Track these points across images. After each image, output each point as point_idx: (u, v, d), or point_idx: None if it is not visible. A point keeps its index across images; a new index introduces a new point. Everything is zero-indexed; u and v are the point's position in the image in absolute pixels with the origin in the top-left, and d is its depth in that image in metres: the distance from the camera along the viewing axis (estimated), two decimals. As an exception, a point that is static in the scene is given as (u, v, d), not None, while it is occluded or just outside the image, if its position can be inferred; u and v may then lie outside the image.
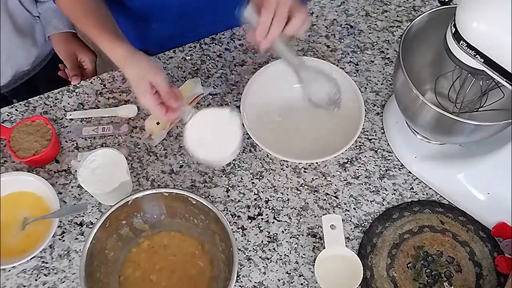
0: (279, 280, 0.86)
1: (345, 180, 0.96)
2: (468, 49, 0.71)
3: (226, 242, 0.79)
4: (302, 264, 0.88)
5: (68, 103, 1.04)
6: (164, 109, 0.82)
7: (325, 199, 0.94)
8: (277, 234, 0.90)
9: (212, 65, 1.09)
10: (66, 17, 1.16)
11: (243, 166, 0.97)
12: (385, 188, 0.95)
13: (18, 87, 1.22)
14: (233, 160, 0.97)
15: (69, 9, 0.94)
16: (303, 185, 0.95)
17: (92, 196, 0.92)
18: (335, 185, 0.95)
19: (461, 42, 0.71)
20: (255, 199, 0.94)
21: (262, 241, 0.90)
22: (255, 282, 0.86)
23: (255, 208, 0.93)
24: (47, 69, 1.25)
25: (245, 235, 0.90)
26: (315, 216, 0.92)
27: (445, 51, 0.76)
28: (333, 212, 0.93)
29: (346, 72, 1.02)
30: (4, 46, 1.09)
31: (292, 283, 0.86)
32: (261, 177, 0.96)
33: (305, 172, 0.97)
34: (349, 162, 0.98)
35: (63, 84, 1.09)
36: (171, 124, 0.99)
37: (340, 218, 0.87)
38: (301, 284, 0.86)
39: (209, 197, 0.93)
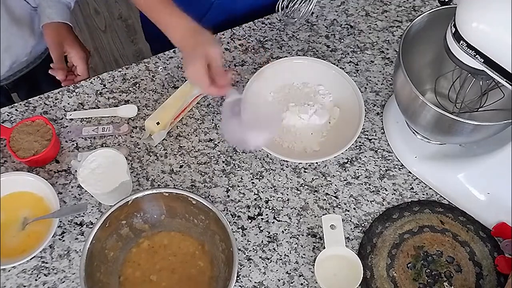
0: (279, 280, 0.86)
1: (345, 180, 0.96)
2: (468, 49, 0.71)
3: (226, 242, 0.79)
4: (302, 264, 0.88)
5: (68, 103, 1.04)
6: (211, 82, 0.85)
7: (325, 199, 0.94)
8: (277, 234, 0.90)
9: (212, 65, 1.09)
10: (61, 8, 1.13)
11: (243, 166, 0.97)
12: (385, 188, 0.95)
13: (18, 80, 1.21)
14: (233, 160, 0.97)
15: None
16: (303, 185, 0.95)
17: (92, 196, 0.92)
18: (335, 185, 0.95)
19: (461, 42, 0.71)
20: (255, 199, 0.94)
21: (262, 241, 0.90)
22: (255, 282, 0.86)
23: (255, 208, 0.93)
24: (47, 62, 1.24)
25: (245, 235, 0.90)
26: (315, 216, 0.92)
27: (445, 51, 0.76)
28: (333, 212, 0.93)
29: (346, 72, 1.02)
30: (1, 36, 1.07)
31: (292, 283, 0.86)
32: (261, 177, 0.96)
33: (305, 172, 0.97)
34: (349, 162, 0.98)
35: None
36: (171, 124, 0.99)
37: (340, 218, 0.87)
38: (301, 284, 0.86)
39: (209, 197, 0.93)
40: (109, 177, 0.87)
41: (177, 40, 0.88)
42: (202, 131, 1.01)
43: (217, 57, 0.85)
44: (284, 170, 0.97)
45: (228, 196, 0.94)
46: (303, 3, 1.04)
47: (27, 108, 1.03)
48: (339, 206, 0.93)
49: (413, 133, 0.96)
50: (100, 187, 0.86)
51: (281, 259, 0.88)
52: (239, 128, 0.88)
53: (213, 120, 1.02)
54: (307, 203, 0.93)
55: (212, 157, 0.98)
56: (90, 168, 0.88)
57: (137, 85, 1.06)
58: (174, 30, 0.88)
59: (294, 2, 1.05)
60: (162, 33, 0.90)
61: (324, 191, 0.95)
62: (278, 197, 0.94)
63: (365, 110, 0.97)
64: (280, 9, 1.06)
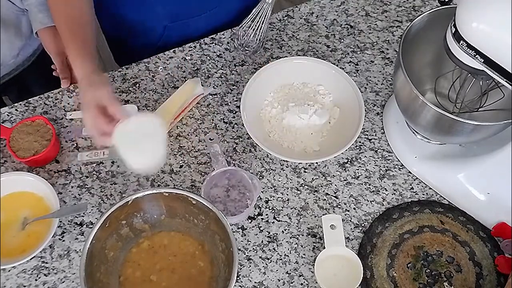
0: (279, 280, 0.86)
1: (345, 180, 0.96)
2: (468, 49, 0.71)
3: (226, 242, 0.79)
4: (302, 264, 0.88)
5: (68, 103, 1.04)
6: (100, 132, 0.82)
7: (325, 199, 0.94)
8: (277, 234, 0.90)
9: (212, 65, 1.09)
10: None
11: (243, 166, 0.97)
12: (385, 188, 0.95)
13: (7, 83, 1.20)
14: (233, 160, 0.97)
15: (53, 8, 0.93)
16: (303, 185, 0.95)
17: (93, 196, 0.92)
18: (335, 185, 0.95)
19: (461, 42, 0.71)
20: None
21: (262, 241, 0.90)
22: (255, 282, 0.86)
23: (255, 208, 0.93)
24: (37, 65, 1.22)
25: (245, 235, 0.90)
26: (315, 216, 0.92)
27: (445, 51, 0.76)
28: (333, 212, 0.93)
29: (346, 72, 1.02)
30: None
31: (292, 283, 0.86)
32: (261, 177, 0.96)
33: (305, 172, 0.97)
34: (349, 162, 0.98)
35: (56, 81, 1.07)
36: (171, 124, 0.99)
37: (340, 218, 0.87)
38: (301, 284, 0.86)
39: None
40: (144, 144, 0.82)
41: (78, 82, 0.87)
42: (202, 131, 1.01)
43: (107, 97, 0.82)
44: (284, 170, 0.97)
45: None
46: (254, 35, 1.05)
47: (27, 108, 1.03)
48: (339, 206, 0.93)
49: (413, 133, 0.96)
50: (133, 152, 0.81)
51: (281, 259, 0.88)
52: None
53: (213, 120, 1.02)
54: (307, 203, 0.93)
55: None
56: (126, 132, 0.82)
57: (137, 85, 1.06)
58: (77, 71, 0.87)
59: (245, 34, 1.06)
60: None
61: (324, 191, 0.95)
62: (278, 197, 0.94)
63: (365, 110, 0.97)
64: (235, 40, 1.08)
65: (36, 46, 1.21)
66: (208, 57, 1.10)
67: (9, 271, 0.86)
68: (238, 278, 0.86)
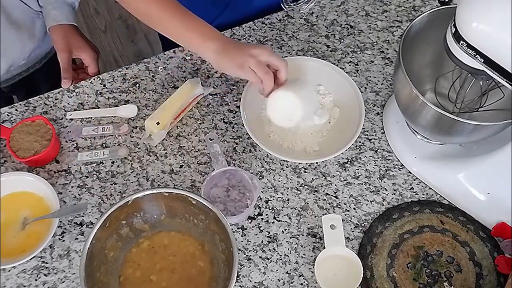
0: (279, 280, 0.86)
1: (345, 180, 0.96)
2: (468, 49, 0.71)
3: (226, 242, 0.79)
4: (302, 264, 0.88)
5: (68, 103, 1.04)
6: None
7: (325, 199, 0.94)
8: (277, 234, 0.90)
9: (212, 65, 1.09)
10: (66, 9, 1.13)
11: (243, 166, 0.97)
12: (385, 188, 0.95)
13: (17, 83, 1.21)
14: (233, 160, 0.97)
15: (144, 10, 0.89)
16: (303, 185, 0.95)
17: (93, 196, 0.92)
18: (335, 185, 0.95)
19: (461, 42, 0.71)
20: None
21: (262, 241, 0.90)
22: (255, 282, 0.86)
23: (255, 208, 0.93)
24: (47, 67, 1.23)
25: (245, 235, 0.90)
26: (315, 216, 0.92)
27: (445, 51, 0.76)
28: (333, 212, 0.93)
29: (346, 72, 1.02)
30: None
31: (292, 283, 0.86)
32: (261, 177, 0.96)
33: (305, 172, 0.97)
34: (349, 162, 0.98)
35: None
36: (171, 124, 0.99)
37: (340, 218, 0.87)
38: (301, 284, 0.86)
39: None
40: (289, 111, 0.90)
41: (212, 59, 0.89)
42: (202, 131, 1.01)
43: (274, 55, 0.87)
44: (284, 170, 0.97)
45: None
46: None
47: (27, 108, 1.03)
48: (339, 206, 0.93)
49: (413, 133, 0.96)
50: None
51: (281, 259, 0.88)
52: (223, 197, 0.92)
53: (213, 120, 1.02)
54: (307, 203, 0.93)
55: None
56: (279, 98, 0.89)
57: (137, 85, 1.06)
58: (206, 50, 0.88)
59: None
60: None
61: (324, 191, 0.95)
62: (278, 197, 0.94)
63: (365, 110, 0.97)
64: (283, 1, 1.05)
65: (48, 48, 1.21)
66: (208, 57, 1.10)
67: (9, 271, 0.86)
68: (238, 278, 0.86)
